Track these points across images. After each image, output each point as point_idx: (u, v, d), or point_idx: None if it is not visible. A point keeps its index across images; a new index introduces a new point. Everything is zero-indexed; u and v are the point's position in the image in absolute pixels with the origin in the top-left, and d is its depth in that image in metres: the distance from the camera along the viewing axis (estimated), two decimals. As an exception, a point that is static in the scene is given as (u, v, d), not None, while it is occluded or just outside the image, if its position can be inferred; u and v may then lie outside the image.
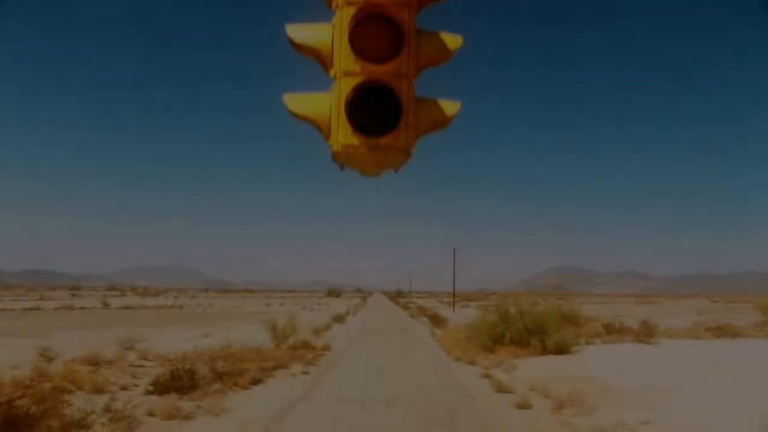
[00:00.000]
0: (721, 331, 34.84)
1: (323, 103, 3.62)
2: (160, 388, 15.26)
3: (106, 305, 69.84)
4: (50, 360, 19.53)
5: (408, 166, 3.79)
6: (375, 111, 3.48)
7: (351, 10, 3.49)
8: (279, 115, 3.78)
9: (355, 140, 3.51)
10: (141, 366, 20.08)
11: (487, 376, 18.75)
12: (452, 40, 3.66)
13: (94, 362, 19.42)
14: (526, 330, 25.53)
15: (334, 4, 3.58)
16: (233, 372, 17.81)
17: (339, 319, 50.78)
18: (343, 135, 3.53)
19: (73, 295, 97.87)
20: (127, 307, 65.68)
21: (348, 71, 3.53)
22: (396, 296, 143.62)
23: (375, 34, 3.47)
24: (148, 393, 15.16)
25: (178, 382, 15.61)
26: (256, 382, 17.82)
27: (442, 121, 3.72)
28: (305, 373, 20.31)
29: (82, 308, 62.87)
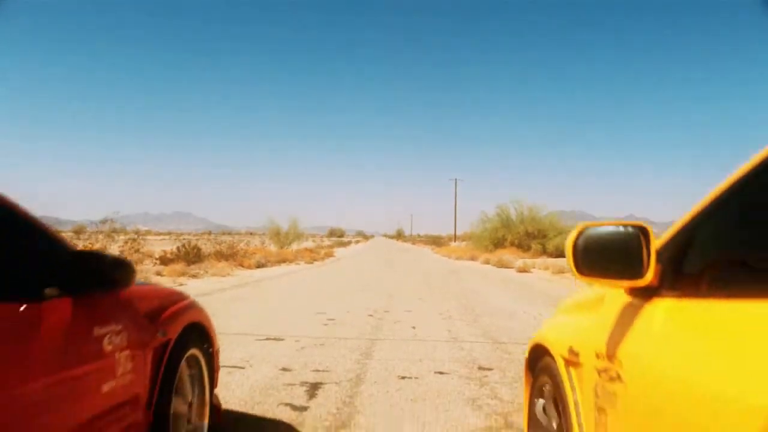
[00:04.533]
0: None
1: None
2: (168, 261, 15.58)
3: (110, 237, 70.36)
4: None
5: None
6: None
7: None
8: None
9: None
10: (147, 257, 20.41)
11: (488, 262, 19.12)
12: None
13: (101, 251, 19.74)
14: (527, 234, 25.77)
15: None
16: (239, 254, 18.11)
17: (342, 244, 51.39)
18: None
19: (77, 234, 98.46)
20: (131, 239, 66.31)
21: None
22: (397, 237, 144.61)
23: None
24: (155, 265, 15.47)
25: (186, 255, 15.94)
26: (260, 265, 18.16)
27: None
28: (309, 263, 20.71)
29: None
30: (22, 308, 1.34)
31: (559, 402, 1.69)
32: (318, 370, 3.46)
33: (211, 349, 2.35)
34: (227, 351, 3.64)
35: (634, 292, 1.32)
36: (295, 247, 28.05)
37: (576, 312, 1.77)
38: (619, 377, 1.25)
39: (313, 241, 71.43)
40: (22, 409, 1.28)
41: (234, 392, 2.94)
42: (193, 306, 2.28)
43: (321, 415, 2.57)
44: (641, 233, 1.27)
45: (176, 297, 2.19)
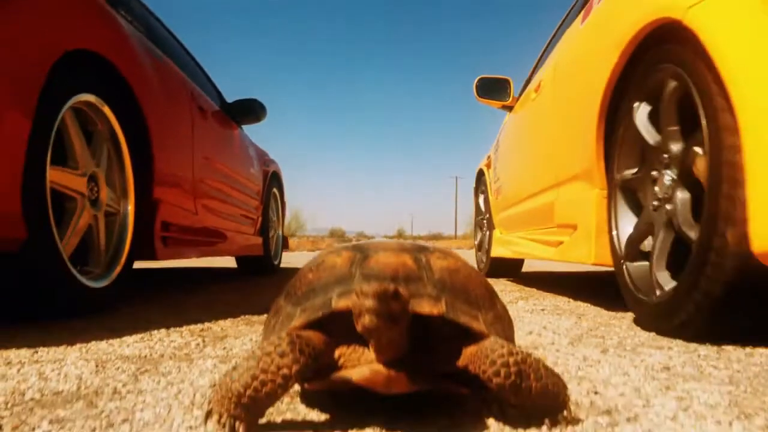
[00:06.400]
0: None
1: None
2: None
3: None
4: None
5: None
6: None
7: None
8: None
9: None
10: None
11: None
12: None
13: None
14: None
15: None
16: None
17: (344, 240, 51.80)
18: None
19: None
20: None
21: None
22: (398, 236, 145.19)
23: None
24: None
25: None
26: (264, 251, 18.42)
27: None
28: (311, 251, 21.00)
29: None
30: (228, 123, 2.80)
31: (483, 194, 3.72)
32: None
33: (282, 192, 3.81)
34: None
35: (505, 108, 3.12)
36: (296, 239, 28.35)
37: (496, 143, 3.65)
38: (499, 146, 3.26)
39: (315, 239, 71.74)
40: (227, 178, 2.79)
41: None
42: (275, 162, 3.66)
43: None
44: (508, 82, 3.13)
45: (267, 154, 3.67)
